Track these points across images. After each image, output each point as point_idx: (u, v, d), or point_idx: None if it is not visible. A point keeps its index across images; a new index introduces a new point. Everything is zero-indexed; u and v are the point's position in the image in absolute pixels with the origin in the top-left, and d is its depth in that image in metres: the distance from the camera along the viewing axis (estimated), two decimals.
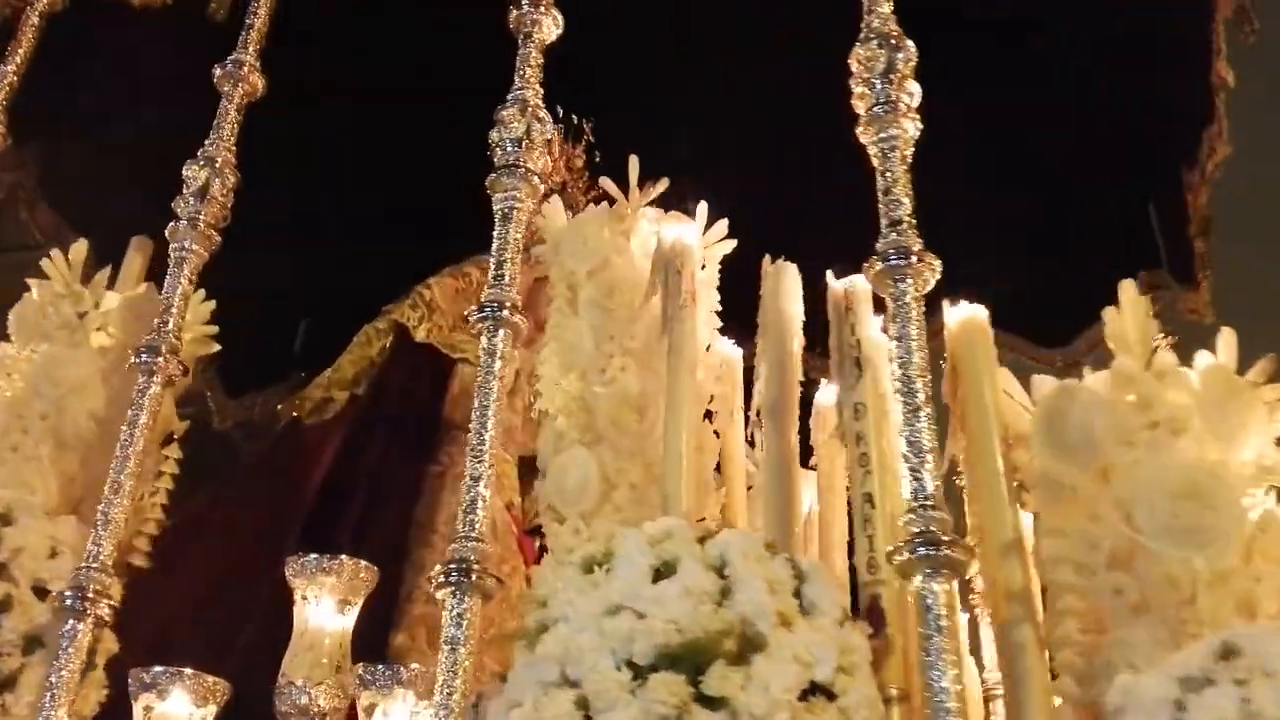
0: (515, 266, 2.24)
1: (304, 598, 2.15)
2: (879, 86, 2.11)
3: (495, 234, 2.28)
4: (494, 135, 2.39)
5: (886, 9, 2.22)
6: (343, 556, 2.19)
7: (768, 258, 2.44)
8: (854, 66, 2.18)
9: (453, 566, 1.89)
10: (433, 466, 3.24)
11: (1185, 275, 3.98)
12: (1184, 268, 3.98)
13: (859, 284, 2.18)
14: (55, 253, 2.85)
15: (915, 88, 2.12)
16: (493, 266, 2.23)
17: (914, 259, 1.90)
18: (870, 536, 1.90)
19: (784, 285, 2.32)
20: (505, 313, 2.16)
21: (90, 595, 2.07)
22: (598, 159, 3.99)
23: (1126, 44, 3.71)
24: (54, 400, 2.60)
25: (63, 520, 2.34)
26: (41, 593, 2.19)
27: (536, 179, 2.35)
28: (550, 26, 2.54)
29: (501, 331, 2.15)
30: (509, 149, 2.35)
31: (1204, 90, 3.48)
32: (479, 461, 2.01)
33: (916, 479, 1.72)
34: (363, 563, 2.19)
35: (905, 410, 1.77)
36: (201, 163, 2.58)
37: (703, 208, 2.76)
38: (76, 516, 2.41)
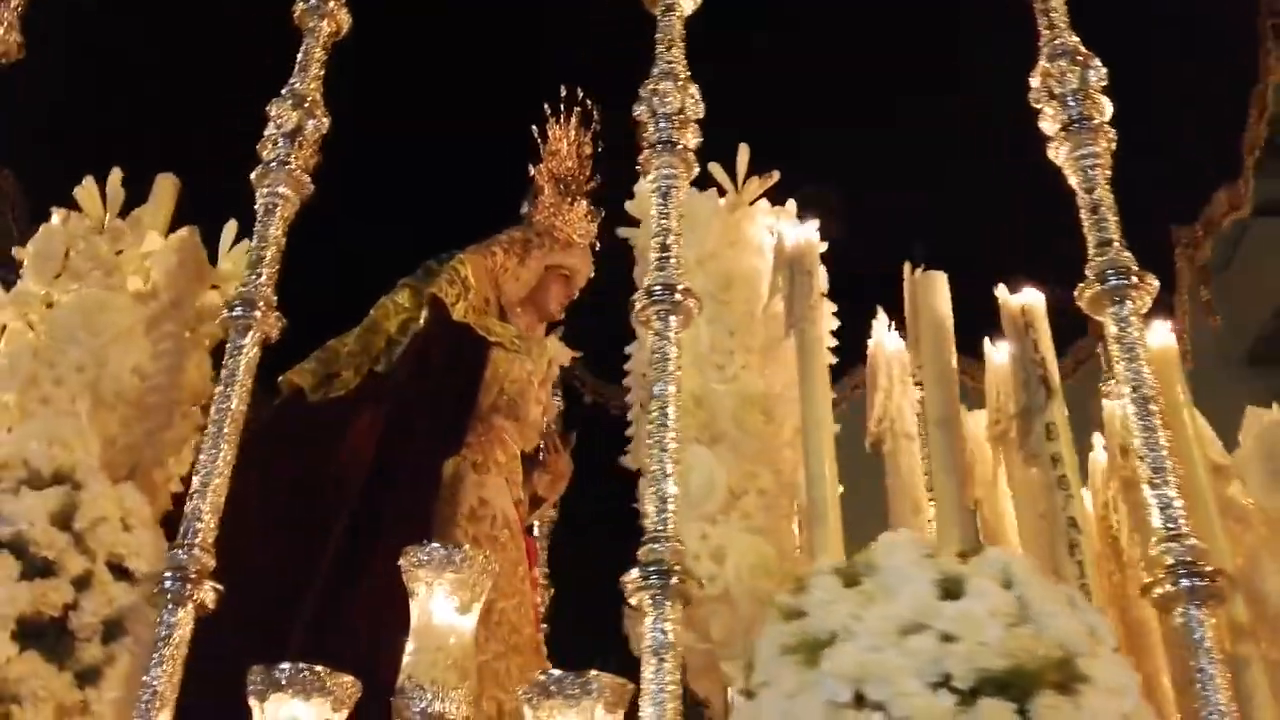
0: (678, 248, 2.06)
1: (428, 591, 1.91)
2: (1071, 103, 2.06)
3: (656, 212, 2.09)
4: (642, 110, 2.20)
5: (1064, 21, 2.17)
6: (466, 547, 1.97)
7: (908, 265, 2.35)
8: (1038, 83, 2.12)
9: (651, 570, 1.72)
10: (454, 456, 3.00)
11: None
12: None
13: (1035, 300, 2.12)
14: (89, 180, 2.48)
15: (1107, 104, 2.08)
16: (656, 249, 2.04)
17: (1133, 278, 1.85)
18: (1079, 562, 1.83)
19: (935, 293, 2.23)
20: (678, 296, 1.98)
21: (192, 577, 1.78)
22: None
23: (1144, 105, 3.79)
24: (93, 351, 2.24)
25: (125, 489, 2.00)
26: (117, 571, 1.86)
27: (692, 155, 2.17)
28: (690, 3, 2.37)
29: (673, 318, 1.97)
30: (662, 124, 2.17)
31: (1227, 148, 3.59)
32: (664, 453, 1.83)
33: (1166, 505, 1.67)
34: (492, 558, 1.98)
35: (1144, 433, 1.71)
36: (290, 101, 2.29)
37: (791, 205, 2.66)
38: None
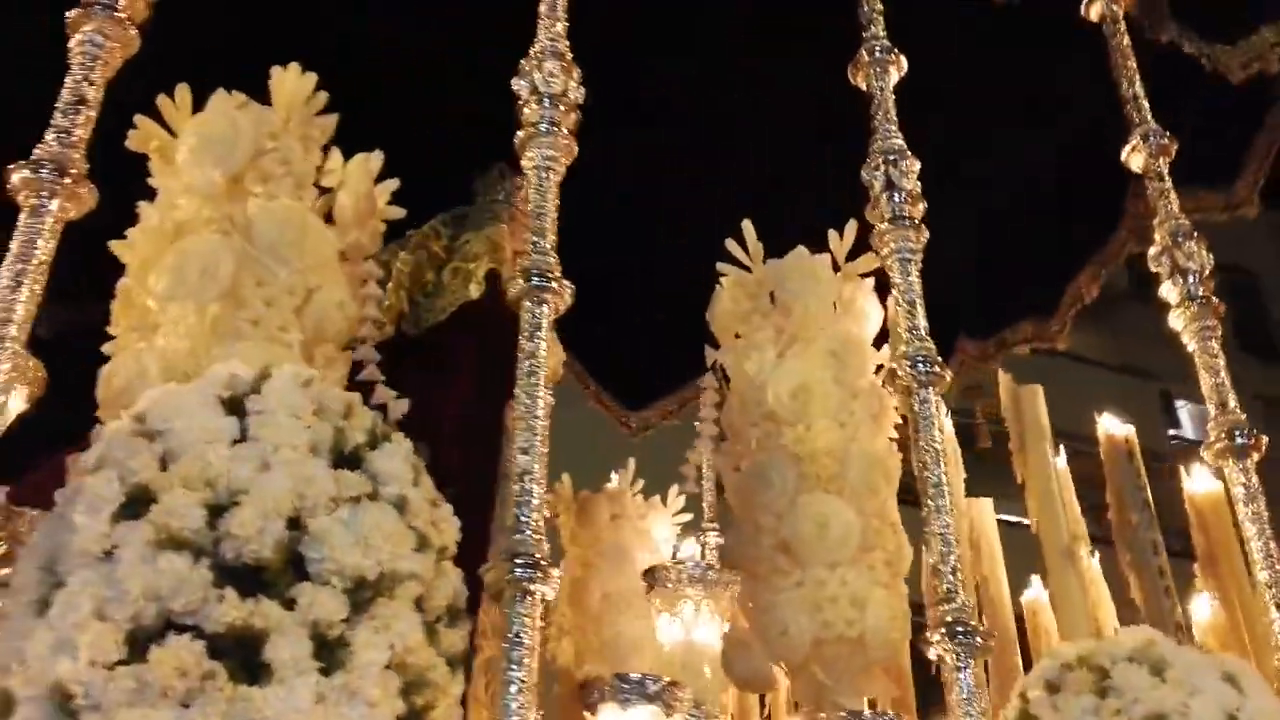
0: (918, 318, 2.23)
1: (695, 610, 1.94)
2: (1193, 281, 2.52)
3: (899, 281, 2.26)
4: (876, 182, 2.35)
5: (1177, 205, 2.63)
6: (716, 565, 2.02)
7: (1004, 375, 2.70)
8: (1157, 251, 2.56)
9: (958, 629, 1.90)
10: None
11: None
12: None
13: (1131, 433, 2.56)
14: (280, 71, 2.12)
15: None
16: (905, 315, 2.21)
17: (1252, 438, 2.33)
18: None
19: (1039, 408, 2.60)
20: (936, 368, 2.15)
21: (542, 564, 1.68)
22: None
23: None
24: (302, 275, 1.96)
25: None
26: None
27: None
28: (895, 72, 2.55)
29: (931, 389, 2.15)
30: (895, 199, 2.34)
31: (1050, 285, 4.22)
32: (944, 515, 2.02)
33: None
34: (733, 575, 2.03)
35: (1266, 562, 2.20)
36: (553, 62, 2.15)
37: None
38: None
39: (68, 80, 1.82)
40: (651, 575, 2.04)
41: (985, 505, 2.84)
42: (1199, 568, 2.64)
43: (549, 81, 2.14)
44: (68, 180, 1.73)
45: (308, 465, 1.47)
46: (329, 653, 1.37)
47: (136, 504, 1.40)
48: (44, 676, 1.31)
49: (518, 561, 1.67)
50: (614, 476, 3.34)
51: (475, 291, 2.92)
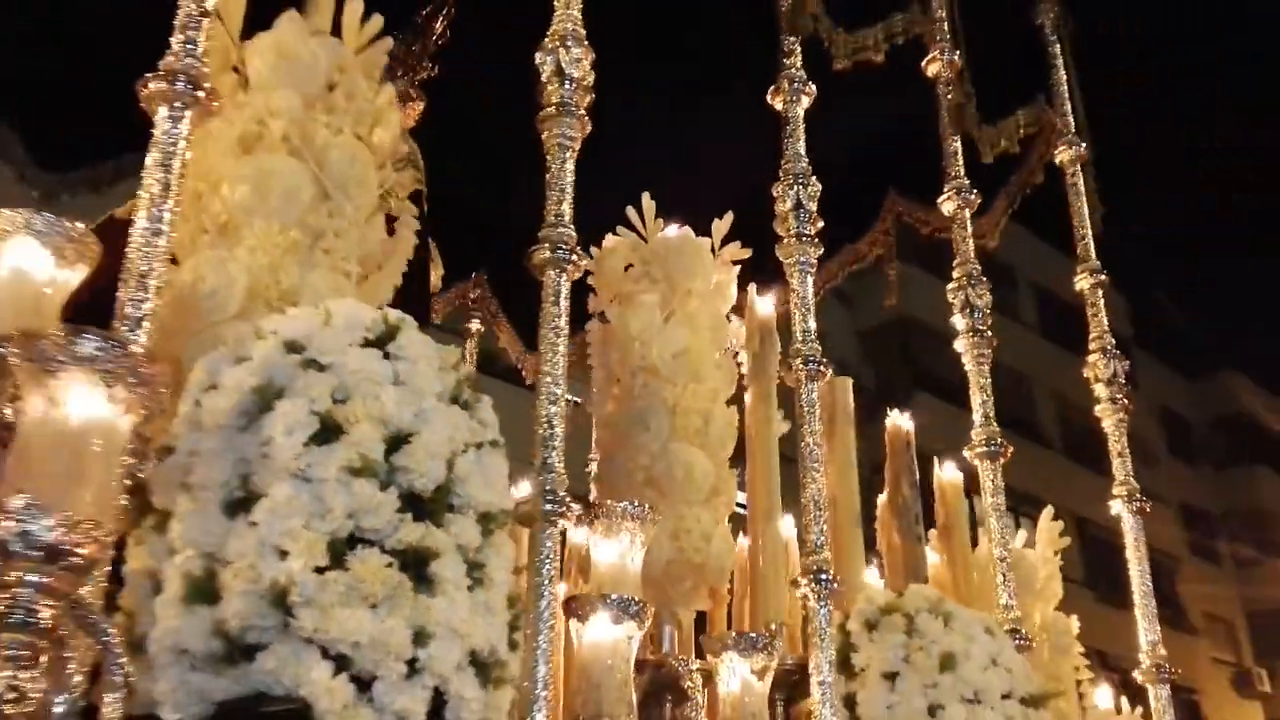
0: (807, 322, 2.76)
1: (631, 541, 2.38)
2: (978, 317, 3.25)
3: (797, 294, 2.75)
4: (785, 207, 2.82)
5: (973, 251, 3.36)
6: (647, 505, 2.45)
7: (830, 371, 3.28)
8: (954, 288, 3.26)
9: (820, 576, 2.48)
10: None
11: None
12: None
13: (912, 429, 3.26)
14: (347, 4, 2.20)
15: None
16: (800, 322, 2.73)
17: (1002, 445, 3.10)
18: None
19: (848, 396, 3.24)
20: (819, 367, 2.70)
21: (565, 499, 2.06)
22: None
23: None
24: (361, 212, 2.13)
25: None
26: None
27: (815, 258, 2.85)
28: (807, 100, 3.01)
29: (815, 384, 2.69)
30: (802, 217, 2.84)
31: None
32: (819, 487, 2.59)
33: (1005, 584, 2.96)
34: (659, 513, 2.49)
35: (1002, 542, 2.99)
36: (574, 46, 2.40)
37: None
38: None
39: None
40: (595, 510, 2.45)
41: None
42: (935, 533, 3.45)
43: (573, 65, 2.41)
44: (200, 93, 1.82)
45: (454, 413, 1.76)
46: (469, 573, 1.71)
47: (328, 432, 1.64)
48: (257, 574, 1.55)
49: (548, 498, 2.05)
50: None
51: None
